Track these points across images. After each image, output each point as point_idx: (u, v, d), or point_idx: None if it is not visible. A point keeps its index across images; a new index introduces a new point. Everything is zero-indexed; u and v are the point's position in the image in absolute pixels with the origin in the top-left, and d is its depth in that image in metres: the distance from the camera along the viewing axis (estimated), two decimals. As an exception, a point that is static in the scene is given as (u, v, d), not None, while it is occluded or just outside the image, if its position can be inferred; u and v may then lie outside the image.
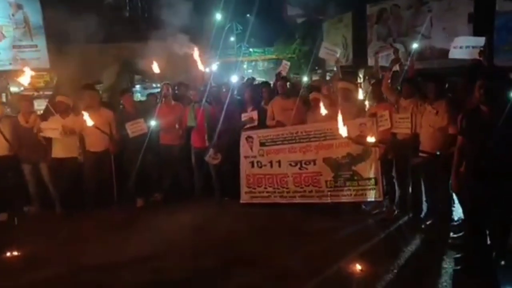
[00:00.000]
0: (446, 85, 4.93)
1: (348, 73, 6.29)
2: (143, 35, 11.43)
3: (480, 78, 3.38)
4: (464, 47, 5.06)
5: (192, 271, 3.98)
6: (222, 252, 4.36)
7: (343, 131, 3.88)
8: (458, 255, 3.83)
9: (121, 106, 6.64)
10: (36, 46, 12.81)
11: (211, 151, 5.99)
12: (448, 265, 3.79)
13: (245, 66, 23.98)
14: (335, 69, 7.46)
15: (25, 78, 5.38)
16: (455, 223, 4.58)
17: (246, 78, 10.11)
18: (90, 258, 4.33)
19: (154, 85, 13.56)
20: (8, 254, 4.51)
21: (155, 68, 5.92)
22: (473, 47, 4.97)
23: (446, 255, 3.97)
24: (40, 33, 12.65)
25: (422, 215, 4.91)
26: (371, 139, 4.17)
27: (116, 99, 7.48)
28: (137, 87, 15.09)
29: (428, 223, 4.70)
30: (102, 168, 5.83)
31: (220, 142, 5.97)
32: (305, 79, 9.10)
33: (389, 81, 5.21)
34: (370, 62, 11.94)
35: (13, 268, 4.21)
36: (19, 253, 4.53)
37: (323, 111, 5.09)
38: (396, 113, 4.97)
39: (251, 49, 25.28)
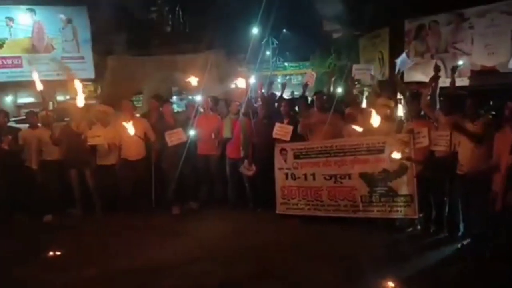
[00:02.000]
0: (490, 103, 4.83)
1: (387, 87, 6.23)
2: (183, 49, 11.89)
3: None
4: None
5: (224, 277, 4.06)
6: (253, 263, 4.40)
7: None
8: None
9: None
10: (82, 58, 13.59)
11: (245, 162, 6.11)
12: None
13: (279, 80, 24.19)
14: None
15: (75, 88, 5.73)
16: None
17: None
18: (128, 260, 4.52)
19: (190, 97, 13.97)
20: (52, 253, 4.77)
21: (193, 81, 6.14)
22: None
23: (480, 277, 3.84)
24: (87, 46, 13.41)
25: (459, 234, 4.77)
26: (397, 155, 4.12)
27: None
28: (174, 98, 15.60)
29: (465, 243, 4.57)
30: (138, 176, 6.05)
31: (255, 154, 6.09)
32: (339, 90, 9.00)
33: (428, 98, 5.16)
34: (407, 78, 11.78)
35: (57, 267, 4.44)
36: (62, 253, 4.79)
37: (359, 129, 5.08)
38: (434, 130, 4.91)
39: (286, 63, 25.48)
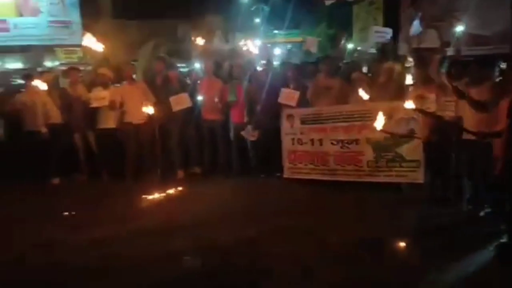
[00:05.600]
0: (496, 69, 4.88)
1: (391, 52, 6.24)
2: (177, 14, 11.53)
3: None
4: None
5: (235, 238, 4.06)
6: (262, 223, 4.41)
7: (378, 123, 3.87)
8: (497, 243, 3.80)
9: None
10: (70, 22, 12.98)
11: (248, 127, 6.12)
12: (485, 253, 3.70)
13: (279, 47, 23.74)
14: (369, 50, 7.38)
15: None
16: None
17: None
18: (136, 222, 4.51)
19: (183, 65, 13.71)
20: (62, 214, 4.79)
21: (200, 42, 6.00)
22: None
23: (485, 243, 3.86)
24: (74, 9, 12.81)
25: (466, 199, 4.91)
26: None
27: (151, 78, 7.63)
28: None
29: (470, 207, 4.72)
30: (142, 139, 6.01)
31: (258, 119, 6.09)
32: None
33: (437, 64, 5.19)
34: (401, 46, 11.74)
35: (68, 227, 4.43)
36: (72, 215, 4.80)
37: (364, 95, 5.09)
38: (443, 96, 4.96)
39: (275, 31, 25.02)
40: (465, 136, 4.58)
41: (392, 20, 13.85)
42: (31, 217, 4.69)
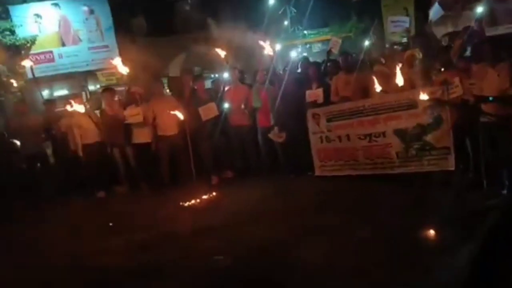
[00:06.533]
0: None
1: (420, 40, 6.11)
2: (203, 26, 11.92)
3: None
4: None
5: (268, 239, 4.20)
6: (295, 223, 4.53)
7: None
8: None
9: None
10: (107, 46, 13.82)
11: (275, 129, 6.26)
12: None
13: (299, 49, 23.71)
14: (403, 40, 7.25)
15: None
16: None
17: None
18: (173, 226, 4.85)
19: (212, 75, 14.11)
20: (107, 223, 5.23)
21: (221, 53, 6.24)
22: None
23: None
24: (110, 33, 13.62)
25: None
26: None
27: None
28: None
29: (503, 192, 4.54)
30: (175, 150, 6.31)
31: (284, 120, 6.20)
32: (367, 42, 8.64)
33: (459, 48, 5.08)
34: (436, 32, 11.35)
35: (113, 233, 4.90)
36: (115, 222, 5.23)
37: (378, 88, 5.04)
38: (466, 79, 4.84)
39: (305, 32, 24.88)
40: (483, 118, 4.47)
41: (424, 7, 13.46)
42: (85, 226, 5.16)
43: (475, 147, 4.86)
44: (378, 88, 5.01)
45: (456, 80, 4.88)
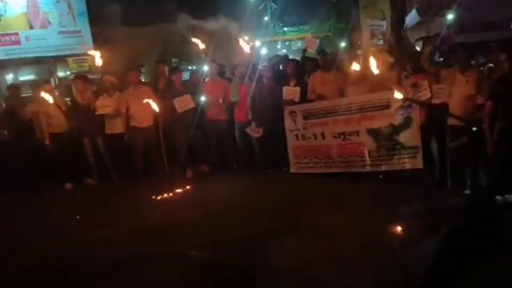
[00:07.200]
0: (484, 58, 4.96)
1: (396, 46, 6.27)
2: (182, 17, 11.70)
3: None
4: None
5: (247, 232, 4.21)
6: (274, 217, 4.56)
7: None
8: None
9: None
10: (79, 31, 13.32)
11: (252, 124, 6.25)
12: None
13: (279, 46, 23.72)
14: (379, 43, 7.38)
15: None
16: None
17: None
18: (150, 221, 4.74)
19: (189, 67, 13.91)
20: (76, 217, 5.06)
21: (200, 45, 6.16)
22: None
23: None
24: (83, 18, 13.13)
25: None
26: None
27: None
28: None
29: (466, 192, 4.74)
30: (148, 142, 6.18)
31: (261, 116, 6.20)
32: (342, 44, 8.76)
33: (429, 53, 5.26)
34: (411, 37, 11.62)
35: (82, 228, 4.72)
36: (85, 216, 5.06)
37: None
38: (436, 83, 5.01)
39: (285, 28, 24.90)
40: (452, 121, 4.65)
41: (400, 9, 13.75)
42: (51, 219, 5.01)
43: (441, 147, 5.04)
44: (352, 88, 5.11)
45: (425, 83, 5.05)
